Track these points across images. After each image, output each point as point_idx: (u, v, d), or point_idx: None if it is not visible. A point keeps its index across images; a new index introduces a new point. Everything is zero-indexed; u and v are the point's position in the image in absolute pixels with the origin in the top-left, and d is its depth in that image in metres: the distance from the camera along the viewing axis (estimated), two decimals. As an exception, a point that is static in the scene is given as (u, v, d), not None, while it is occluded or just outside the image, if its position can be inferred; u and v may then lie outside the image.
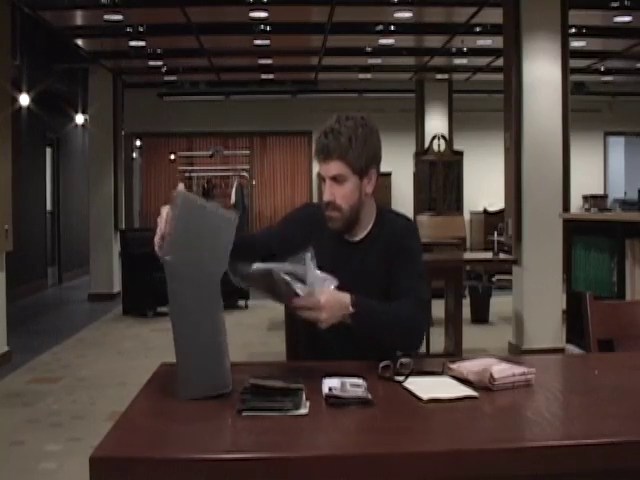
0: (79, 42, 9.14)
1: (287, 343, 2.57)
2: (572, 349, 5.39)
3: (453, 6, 7.88)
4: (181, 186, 1.84)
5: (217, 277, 1.73)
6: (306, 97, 12.89)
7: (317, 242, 2.07)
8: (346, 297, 1.95)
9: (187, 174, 13.40)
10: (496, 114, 7.96)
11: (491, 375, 1.74)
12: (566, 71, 6.41)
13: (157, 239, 1.84)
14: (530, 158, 6.34)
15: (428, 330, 6.27)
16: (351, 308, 1.95)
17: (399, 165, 12.88)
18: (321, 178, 2.22)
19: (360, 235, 2.27)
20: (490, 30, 8.44)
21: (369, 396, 1.66)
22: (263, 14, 7.95)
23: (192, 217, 1.76)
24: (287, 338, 2.57)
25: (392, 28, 8.57)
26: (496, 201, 11.11)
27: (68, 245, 12.52)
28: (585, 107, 12.00)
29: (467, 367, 1.83)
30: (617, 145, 14.71)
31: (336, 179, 2.16)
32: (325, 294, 1.88)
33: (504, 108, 6.66)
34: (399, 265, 2.19)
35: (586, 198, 12.75)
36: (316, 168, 10.74)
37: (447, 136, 11.71)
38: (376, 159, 2.22)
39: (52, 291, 11.62)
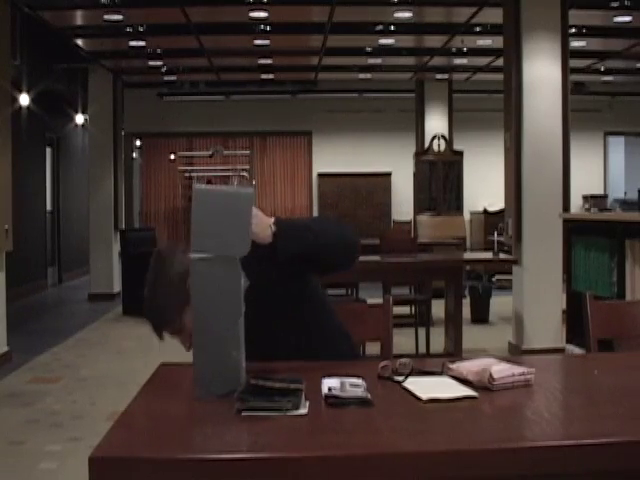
0: (79, 42, 9.14)
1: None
2: (572, 349, 5.39)
3: (453, 6, 7.88)
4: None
5: (236, 260, 1.72)
6: (306, 97, 12.90)
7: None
8: (269, 219, 1.92)
9: (187, 174, 13.41)
10: (496, 114, 7.96)
11: (491, 375, 1.74)
12: (566, 71, 6.41)
13: None
14: (530, 158, 6.34)
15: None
16: (273, 226, 1.91)
17: (399, 165, 12.90)
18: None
19: None
20: (490, 30, 8.44)
21: (368, 396, 1.66)
22: (263, 14, 7.95)
23: (209, 206, 1.75)
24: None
25: (392, 28, 8.58)
26: (496, 201, 11.11)
27: (68, 245, 12.52)
28: (585, 107, 12.00)
29: (467, 367, 1.83)
30: (617, 145, 14.72)
31: (174, 334, 2.05)
32: (257, 211, 1.87)
33: (504, 108, 6.66)
34: None
35: (586, 198, 12.76)
36: (316, 168, 10.82)
37: (447, 136, 11.71)
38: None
39: (52, 291, 11.62)
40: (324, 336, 2.20)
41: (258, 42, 9.17)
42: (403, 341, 6.07)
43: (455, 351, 5.79)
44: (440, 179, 11.65)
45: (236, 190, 1.76)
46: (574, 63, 7.56)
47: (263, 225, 1.90)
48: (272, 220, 1.93)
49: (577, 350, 5.22)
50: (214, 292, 1.74)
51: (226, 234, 1.72)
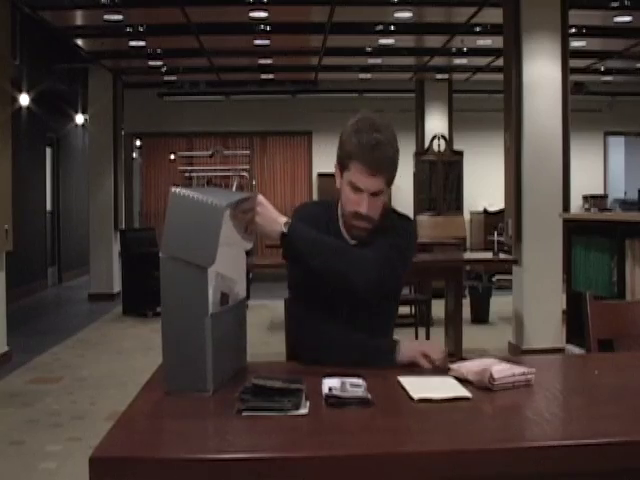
0: (79, 42, 9.14)
1: (287, 343, 2.58)
2: (572, 349, 5.39)
3: (453, 6, 7.88)
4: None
5: (204, 270, 1.75)
6: (306, 97, 12.90)
7: None
8: (282, 217, 1.97)
9: (187, 174, 13.40)
10: (496, 114, 7.96)
11: (491, 375, 1.74)
12: (566, 71, 6.41)
13: None
14: (530, 158, 6.34)
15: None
16: (284, 227, 1.95)
17: (399, 165, 12.88)
18: (352, 187, 2.11)
19: None
20: (490, 30, 8.43)
21: (369, 396, 1.66)
22: (263, 14, 7.95)
23: (182, 211, 1.78)
24: (287, 338, 2.57)
25: (392, 28, 8.57)
26: (496, 201, 11.11)
27: (68, 245, 12.52)
28: (585, 107, 12.00)
29: (467, 367, 1.83)
30: (617, 145, 14.72)
31: (376, 193, 2.11)
32: (263, 200, 1.95)
33: (504, 108, 6.66)
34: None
35: (586, 198, 12.76)
36: (316, 168, 10.80)
37: (447, 136, 11.71)
38: None
39: (52, 291, 11.61)
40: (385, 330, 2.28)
41: (258, 42, 9.17)
42: (403, 341, 6.06)
43: (455, 351, 5.79)
44: (440, 179, 11.65)
45: (210, 201, 1.77)
46: (574, 63, 7.56)
47: (269, 219, 1.95)
48: (284, 219, 1.97)
49: (577, 350, 5.21)
50: (181, 292, 1.77)
51: (194, 242, 1.76)
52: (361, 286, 2.02)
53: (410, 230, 2.28)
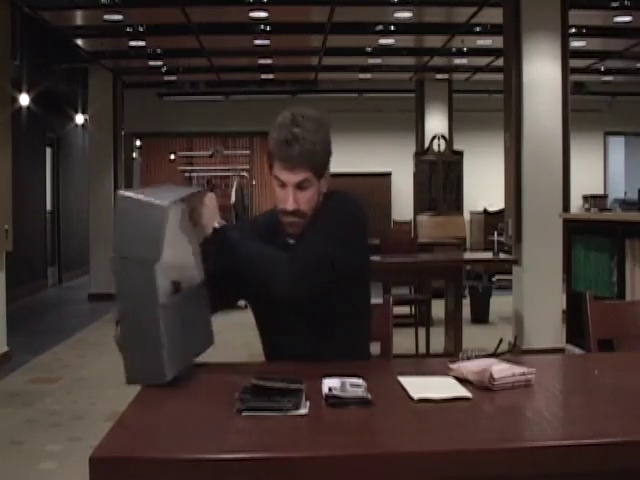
0: (79, 42, 9.14)
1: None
2: (572, 349, 5.39)
3: (453, 6, 7.88)
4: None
5: (151, 265, 1.81)
6: (306, 97, 12.88)
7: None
8: (218, 218, 2.02)
9: (187, 174, 13.40)
10: (496, 114, 7.96)
11: (491, 375, 1.74)
12: (566, 71, 6.41)
13: None
14: (530, 158, 6.34)
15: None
16: (216, 224, 2.00)
17: (399, 165, 12.90)
18: (278, 183, 2.11)
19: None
20: (490, 30, 8.44)
21: (369, 396, 1.66)
22: (263, 14, 7.95)
23: (128, 213, 1.86)
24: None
25: (392, 28, 8.58)
26: (496, 201, 11.10)
27: (68, 245, 12.52)
28: (585, 107, 11.99)
29: (467, 367, 1.83)
30: (617, 145, 14.72)
31: (300, 186, 2.08)
32: (213, 196, 2.05)
33: (504, 108, 6.66)
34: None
35: (586, 198, 12.76)
36: (316, 168, 10.40)
37: (447, 136, 11.71)
38: (331, 155, 2.15)
39: (52, 291, 11.61)
40: (355, 328, 2.21)
41: (258, 42, 9.17)
42: (403, 341, 6.07)
43: (455, 351, 5.78)
44: (440, 179, 11.65)
45: (152, 201, 1.84)
46: (574, 63, 7.56)
47: (211, 217, 2.01)
48: (222, 221, 2.02)
49: (577, 350, 5.22)
50: (132, 289, 1.85)
51: (140, 240, 1.84)
52: (277, 291, 2.01)
53: (352, 210, 2.18)
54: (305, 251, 2.04)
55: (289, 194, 2.08)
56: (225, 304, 2.28)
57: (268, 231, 2.20)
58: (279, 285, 1.99)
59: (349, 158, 13.11)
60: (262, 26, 8.45)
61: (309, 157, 2.05)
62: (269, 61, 10.50)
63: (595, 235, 5.19)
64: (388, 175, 13.22)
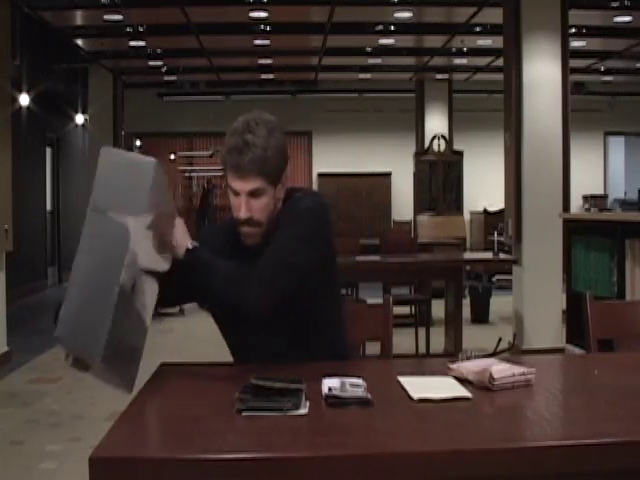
0: (79, 42, 9.15)
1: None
2: (572, 349, 5.39)
3: (453, 6, 7.89)
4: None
5: (135, 215, 1.74)
6: (306, 97, 12.90)
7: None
8: (188, 242, 1.96)
9: (187, 174, 13.41)
10: (496, 114, 7.96)
11: (491, 375, 1.74)
12: (566, 71, 6.41)
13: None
14: (530, 158, 6.34)
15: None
16: (189, 244, 1.95)
17: (399, 165, 12.91)
18: (231, 192, 2.05)
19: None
20: (490, 30, 8.44)
21: (369, 396, 1.66)
22: (263, 14, 7.96)
23: (112, 166, 1.81)
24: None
25: (392, 28, 8.58)
26: (496, 201, 11.11)
27: (68, 245, 12.50)
28: (585, 107, 12.00)
29: (467, 367, 1.83)
30: (617, 145, 14.73)
31: (253, 193, 2.02)
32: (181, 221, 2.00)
33: (504, 108, 6.66)
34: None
35: (586, 198, 12.77)
36: (316, 168, 10.77)
37: (447, 136, 11.72)
38: (286, 161, 2.09)
39: (52, 291, 11.60)
40: (325, 326, 2.16)
41: (258, 42, 9.18)
42: (403, 341, 6.07)
43: (455, 351, 5.78)
44: (440, 179, 11.66)
45: (140, 159, 1.80)
46: (574, 63, 7.57)
47: (182, 241, 1.96)
48: (191, 245, 1.96)
49: (577, 350, 5.22)
50: (99, 248, 1.75)
51: (123, 195, 1.76)
52: (247, 313, 2.00)
53: (308, 206, 2.10)
54: (269, 260, 1.99)
55: (242, 202, 2.03)
56: (182, 303, 2.26)
57: (233, 237, 2.13)
58: (247, 307, 1.97)
59: (349, 158, 13.14)
60: (262, 26, 8.45)
61: (260, 164, 2.00)
62: (269, 61, 10.51)
63: (595, 235, 5.20)
64: (388, 175, 13.22)
